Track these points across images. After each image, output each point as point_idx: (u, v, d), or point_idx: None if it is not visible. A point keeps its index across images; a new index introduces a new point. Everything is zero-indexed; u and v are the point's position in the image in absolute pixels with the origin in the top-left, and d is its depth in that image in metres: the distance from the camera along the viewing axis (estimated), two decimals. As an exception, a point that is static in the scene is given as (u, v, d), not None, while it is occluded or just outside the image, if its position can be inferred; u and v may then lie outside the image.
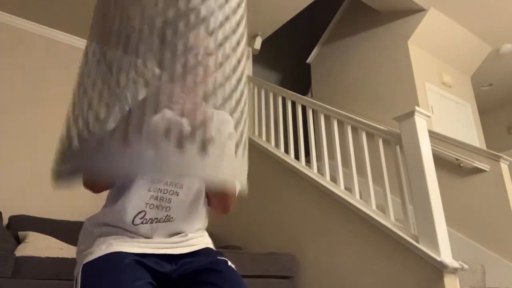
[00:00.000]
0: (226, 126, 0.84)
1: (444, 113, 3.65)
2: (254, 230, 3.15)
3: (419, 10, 3.57)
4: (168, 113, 0.70)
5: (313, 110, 3.06)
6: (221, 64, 0.70)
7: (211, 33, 0.70)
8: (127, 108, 0.68)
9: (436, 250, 1.96)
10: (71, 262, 1.72)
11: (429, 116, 2.35)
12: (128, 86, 0.68)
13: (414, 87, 3.47)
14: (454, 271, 1.95)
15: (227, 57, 0.71)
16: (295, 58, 5.30)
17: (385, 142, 2.48)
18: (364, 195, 2.51)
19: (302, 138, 3.04)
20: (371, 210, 2.35)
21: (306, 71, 4.90)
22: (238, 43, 0.74)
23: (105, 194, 0.94)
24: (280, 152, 3.11)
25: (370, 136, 2.54)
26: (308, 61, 4.79)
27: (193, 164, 0.64)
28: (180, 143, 0.62)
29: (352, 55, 4.19)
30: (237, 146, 0.77)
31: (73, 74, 3.33)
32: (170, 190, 0.88)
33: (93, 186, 0.85)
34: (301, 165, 2.88)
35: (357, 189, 2.51)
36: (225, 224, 3.46)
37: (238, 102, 0.75)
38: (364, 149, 2.54)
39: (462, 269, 1.96)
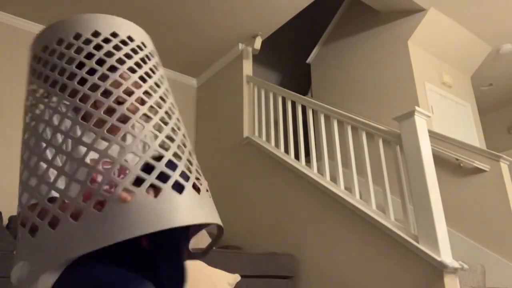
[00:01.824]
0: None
1: (444, 113, 3.65)
2: (254, 230, 3.14)
3: (419, 10, 3.57)
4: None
5: (313, 110, 3.06)
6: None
7: None
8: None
9: (436, 250, 1.96)
10: (71, 262, 1.72)
11: (429, 116, 2.35)
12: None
13: (414, 87, 3.47)
14: (454, 271, 1.95)
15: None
16: (295, 58, 5.30)
17: (385, 142, 2.48)
18: (364, 195, 2.51)
19: (302, 138, 3.04)
20: (371, 210, 2.35)
21: (306, 71, 4.89)
22: None
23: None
24: (280, 152, 3.11)
25: (370, 136, 2.54)
26: (308, 61, 4.79)
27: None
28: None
29: (352, 55, 4.19)
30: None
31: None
32: None
33: None
34: (301, 165, 2.88)
35: (357, 189, 2.51)
36: (225, 224, 3.46)
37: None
38: (364, 149, 2.53)
39: (462, 269, 1.96)
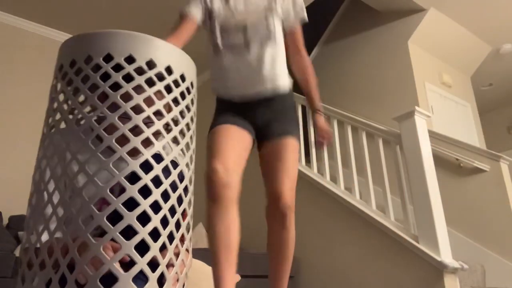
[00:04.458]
0: None
1: (444, 113, 3.65)
2: (254, 230, 3.14)
3: (419, 10, 3.57)
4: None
5: (313, 110, 3.05)
6: None
7: None
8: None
9: (436, 250, 1.96)
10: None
11: (429, 116, 2.36)
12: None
13: (414, 87, 3.47)
14: (454, 271, 1.95)
15: None
16: (295, 58, 5.29)
17: (385, 142, 2.48)
18: (364, 195, 2.51)
19: (302, 138, 3.04)
20: (371, 210, 2.35)
21: (306, 71, 4.88)
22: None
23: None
24: (280, 152, 3.11)
25: (370, 136, 2.54)
26: (308, 61, 4.78)
27: None
28: None
29: (352, 55, 4.19)
30: None
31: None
32: None
33: None
34: (301, 165, 2.88)
35: (357, 189, 2.51)
36: (225, 224, 3.46)
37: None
38: (364, 149, 2.53)
39: (462, 269, 1.96)
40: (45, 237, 0.66)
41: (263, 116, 1.39)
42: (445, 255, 1.96)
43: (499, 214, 2.75)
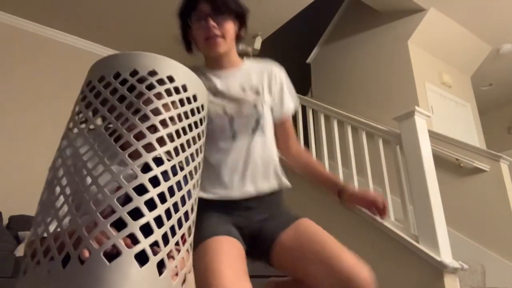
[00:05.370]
0: None
1: (444, 113, 3.65)
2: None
3: (419, 10, 3.57)
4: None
5: (313, 110, 3.05)
6: None
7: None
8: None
9: (436, 250, 1.96)
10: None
11: (429, 116, 2.36)
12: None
13: (414, 87, 3.47)
14: (454, 271, 1.95)
15: None
16: (295, 58, 5.30)
17: (385, 142, 2.48)
18: (364, 195, 2.51)
19: (302, 138, 3.04)
20: (371, 210, 2.35)
21: (306, 71, 4.89)
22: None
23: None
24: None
25: (370, 136, 2.54)
26: (308, 61, 4.79)
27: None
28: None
29: (352, 55, 4.19)
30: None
31: (71, 74, 3.37)
32: None
33: None
34: (301, 165, 2.88)
35: (357, 189, 2.51)
36: (225, 224, 3.46)
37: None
38: (364, 149, 2.53)
39: (462, 269, 1.96)
40: (53, 227, 0.69)
41: (259, 216, 1.20)
42: (445, 255, 1.96)
43: (499, 214, 2.75)
